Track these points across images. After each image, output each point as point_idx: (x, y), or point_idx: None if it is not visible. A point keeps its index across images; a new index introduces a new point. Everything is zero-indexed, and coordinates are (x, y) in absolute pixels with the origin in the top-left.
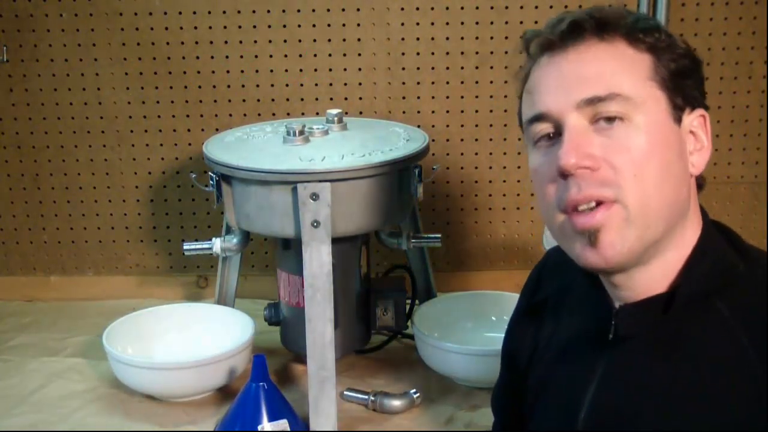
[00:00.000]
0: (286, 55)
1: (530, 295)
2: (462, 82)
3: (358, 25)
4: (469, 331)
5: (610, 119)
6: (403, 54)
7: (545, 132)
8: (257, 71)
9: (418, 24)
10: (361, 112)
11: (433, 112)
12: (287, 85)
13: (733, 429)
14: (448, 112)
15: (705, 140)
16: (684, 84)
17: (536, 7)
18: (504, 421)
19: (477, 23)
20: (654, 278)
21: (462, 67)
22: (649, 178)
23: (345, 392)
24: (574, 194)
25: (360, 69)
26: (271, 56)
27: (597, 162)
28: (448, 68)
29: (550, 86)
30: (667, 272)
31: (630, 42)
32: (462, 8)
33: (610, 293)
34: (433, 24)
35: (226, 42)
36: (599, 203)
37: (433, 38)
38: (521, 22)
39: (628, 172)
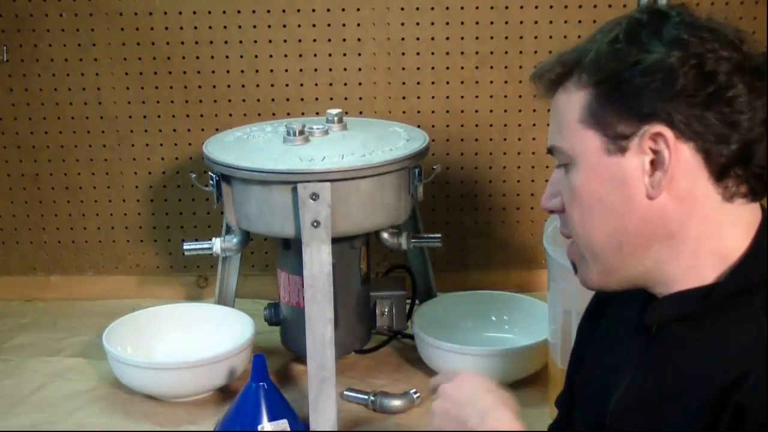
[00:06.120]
0: (286, 55)
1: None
2: (462, 82)
3: (358, 25)
4: (469, 331)
5: (564, 165)
6: (403, 54)
7: None
8: (257, 71)
9: (418, 24)
10: (361, 112)
11: (433, 112)
12: (287, 85)
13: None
14: (448, 112)
15: (666, 158)
16: (621, 105)
17: (536, 7)
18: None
19: (477, 23)
20: (683, 278)
21: (462, 67)
22: (585, 217)
23: (345, 392)
24: (560, 227)
25: (360, 69)
26: (271, 56)
27: (560, 205)
28: (448, 68)
29: None
30: (683, 280)
31: (576, 81)
32: (462, 8)
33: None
34: (433, 24)
35: (226, 42)
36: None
37: (433, 38)
38: (521, 22)
39: (571, 215)
